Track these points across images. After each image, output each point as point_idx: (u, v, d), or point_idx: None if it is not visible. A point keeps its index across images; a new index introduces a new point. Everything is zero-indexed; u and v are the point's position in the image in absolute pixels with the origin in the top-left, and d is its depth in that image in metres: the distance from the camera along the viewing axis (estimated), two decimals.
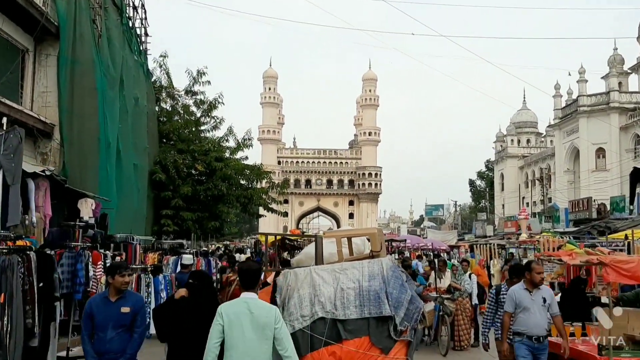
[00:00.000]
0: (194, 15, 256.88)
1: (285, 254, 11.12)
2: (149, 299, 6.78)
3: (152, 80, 22.60)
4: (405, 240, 24.77)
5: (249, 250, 31.90)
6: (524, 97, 71.61)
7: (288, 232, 13.31)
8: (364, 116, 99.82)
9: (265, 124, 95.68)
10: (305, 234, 13.37)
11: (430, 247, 23.24)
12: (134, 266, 7.15)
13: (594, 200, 33.99)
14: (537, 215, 47.54)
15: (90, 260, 8.06)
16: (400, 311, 6.03)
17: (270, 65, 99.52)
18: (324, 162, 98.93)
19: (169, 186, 20.05)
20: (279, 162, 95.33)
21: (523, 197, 63.51)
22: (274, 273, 6.91)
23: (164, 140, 22.16)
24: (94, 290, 7.74)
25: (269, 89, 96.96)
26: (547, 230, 26.37)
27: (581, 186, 45.96)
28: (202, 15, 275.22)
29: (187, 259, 8.21)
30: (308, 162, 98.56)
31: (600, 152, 45.75)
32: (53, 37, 13.68)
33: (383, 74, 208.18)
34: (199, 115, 22.75)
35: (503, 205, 67.86)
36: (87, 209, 12.57)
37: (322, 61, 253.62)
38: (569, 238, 14.71)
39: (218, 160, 20.63)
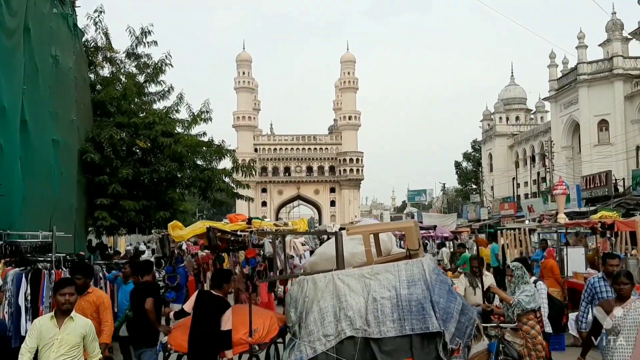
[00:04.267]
0: None
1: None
2: None
3: (84, 39, 18.42)
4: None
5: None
6: (512, 72, 68.31)
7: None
8: (343, 100, 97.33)
9: (240, 110, 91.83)
10: (259, 223, 9.09)
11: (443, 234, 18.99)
12: None
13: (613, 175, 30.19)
14: (540, 195, 44.01)
15: None
16: (450, 325, 4.97)
17: (244, 48, 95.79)
18: (303, 148, 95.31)
19: (104, 168, 16.01)
20: (256, 150, 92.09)
21: (513, 178, 60.39)
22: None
23: (101, 114, 18.02)
24: None
25: (243, 73, 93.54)
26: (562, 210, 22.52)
27: (582, 162, 42.53)
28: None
29: None
30: (286, 148, 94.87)
31: (603, 125, 42.18)
32: None
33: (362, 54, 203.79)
34: (142, 81, 18.54)
35: (492, 186, 64.65)
36: None
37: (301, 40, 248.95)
38: None
39: (166, 135, 16.52)
